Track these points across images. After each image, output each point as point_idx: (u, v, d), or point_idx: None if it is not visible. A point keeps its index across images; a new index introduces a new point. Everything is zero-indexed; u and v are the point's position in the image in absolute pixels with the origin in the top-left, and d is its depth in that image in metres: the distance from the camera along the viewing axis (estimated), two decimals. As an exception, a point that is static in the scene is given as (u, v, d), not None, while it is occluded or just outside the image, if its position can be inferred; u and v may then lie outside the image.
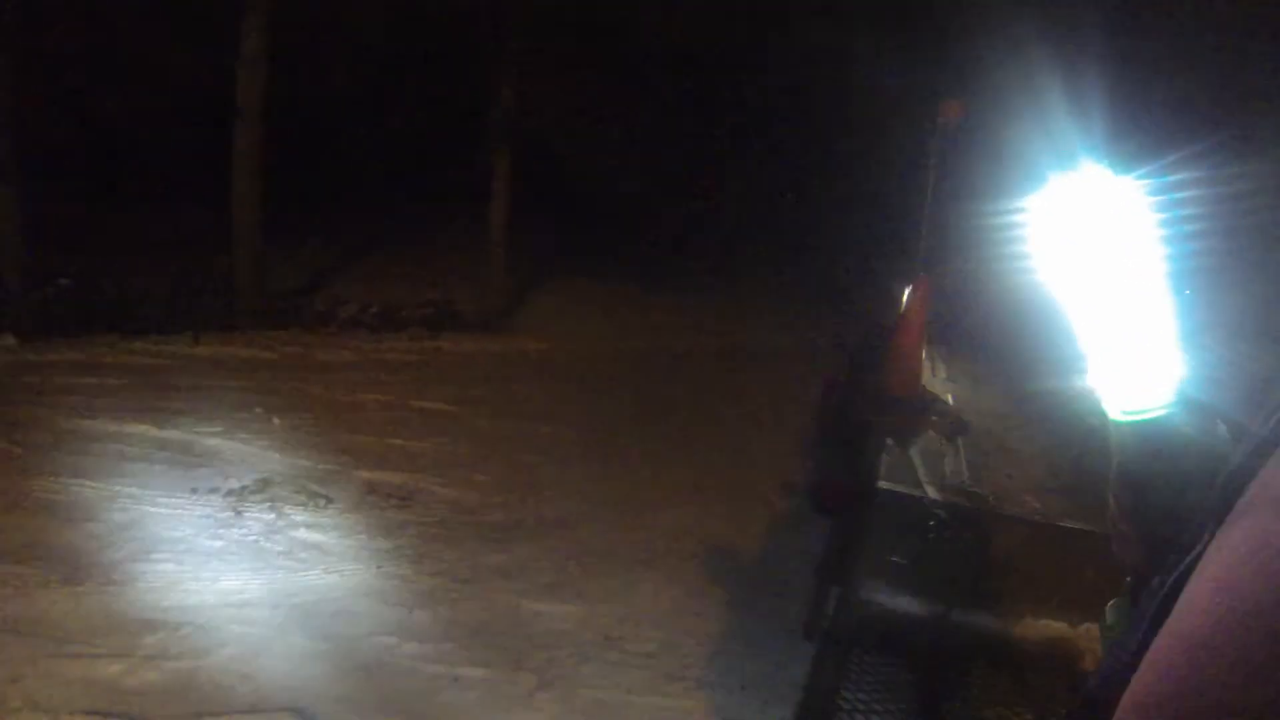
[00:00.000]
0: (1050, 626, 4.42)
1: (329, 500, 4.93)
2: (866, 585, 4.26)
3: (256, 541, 4.34)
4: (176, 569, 3.96)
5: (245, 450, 5.58)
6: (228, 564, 4.09)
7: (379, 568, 4.26)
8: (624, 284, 12.23)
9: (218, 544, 4.27)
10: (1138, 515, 1.54)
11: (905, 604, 4.27)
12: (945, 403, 5.88)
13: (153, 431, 5.77)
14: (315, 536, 4.44)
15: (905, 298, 5.29)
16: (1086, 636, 4.39)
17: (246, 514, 4.63)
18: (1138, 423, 1.55)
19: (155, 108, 11.67)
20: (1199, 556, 0.88)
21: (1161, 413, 1.52)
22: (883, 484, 5.40)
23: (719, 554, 5.03)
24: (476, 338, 9.61)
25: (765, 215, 13.03)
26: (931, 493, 5.60)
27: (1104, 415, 1.63)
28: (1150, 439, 1.53)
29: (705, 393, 8.53)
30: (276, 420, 6.22)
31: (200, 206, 10.03)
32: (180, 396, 6.61)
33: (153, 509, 4.58)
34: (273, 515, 4.61)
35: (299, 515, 4.66)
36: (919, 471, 5.78)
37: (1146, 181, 1.59)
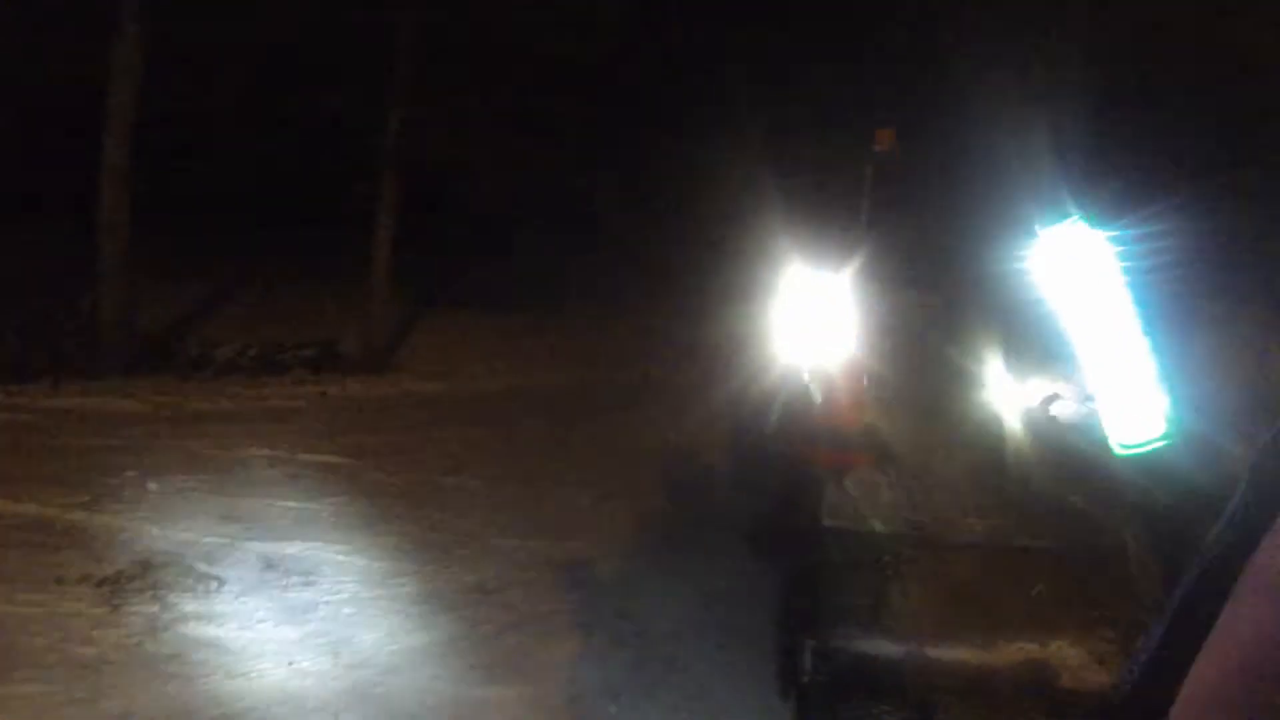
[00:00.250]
0: (1022, 649, 4.27)
1: (221, 582, 4.35)
2: (837, 632, 4.00)
3: (140, 644, 3.73)
4: (43, 690, 3.34)
5: (118, 525, 4.94)
6: (106, 678, 3.47)
7: (290, 664, 3.72)
8: (512, 314, 11.81)
9: (92, 651, 3.65)
10: (1151, 540, 2.03)
11: (878, 646, 4.03)
12: (877, 431, 5.69)
13: (6, 506, 5.06)
14: (210, 631, 3.86)
15: (843, 330, 5.09)
16: (1058, 655, 4.25)
17: (125, 608, 4.02)
18: (1136, 455, 1.70)
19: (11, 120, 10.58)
20: (1209, 575, 0.94)
21: (1158, 445, 1.65)
22: (828, 521, 5.17)
23: (662, 606, 4.68)
24: (363, 379, 9.02)
25: (660, 239, 12.76)
26: (877, 526, 5.41)
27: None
28: (1149, 470, 1.85)
29: (611, 431, 8.17)
30: (152, 485, 5.57)
31: (59, 235, 9.16)
32: (37, 459, 5.89)
33: (9, 608, 3.93)
34: (156, 607, 4.00)
35: (188, 605, 4.07)
36: (859, 505, 5.59)
37: (1122, 234, 1.77)
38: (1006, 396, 9.13)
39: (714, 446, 7.39)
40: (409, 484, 6.23)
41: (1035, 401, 9.47)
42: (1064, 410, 9.38)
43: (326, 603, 4.32)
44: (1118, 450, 1.81)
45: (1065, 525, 6.11)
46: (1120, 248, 1.80)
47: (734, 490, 6.20)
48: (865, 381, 4.96)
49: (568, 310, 12.29)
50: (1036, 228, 1.93)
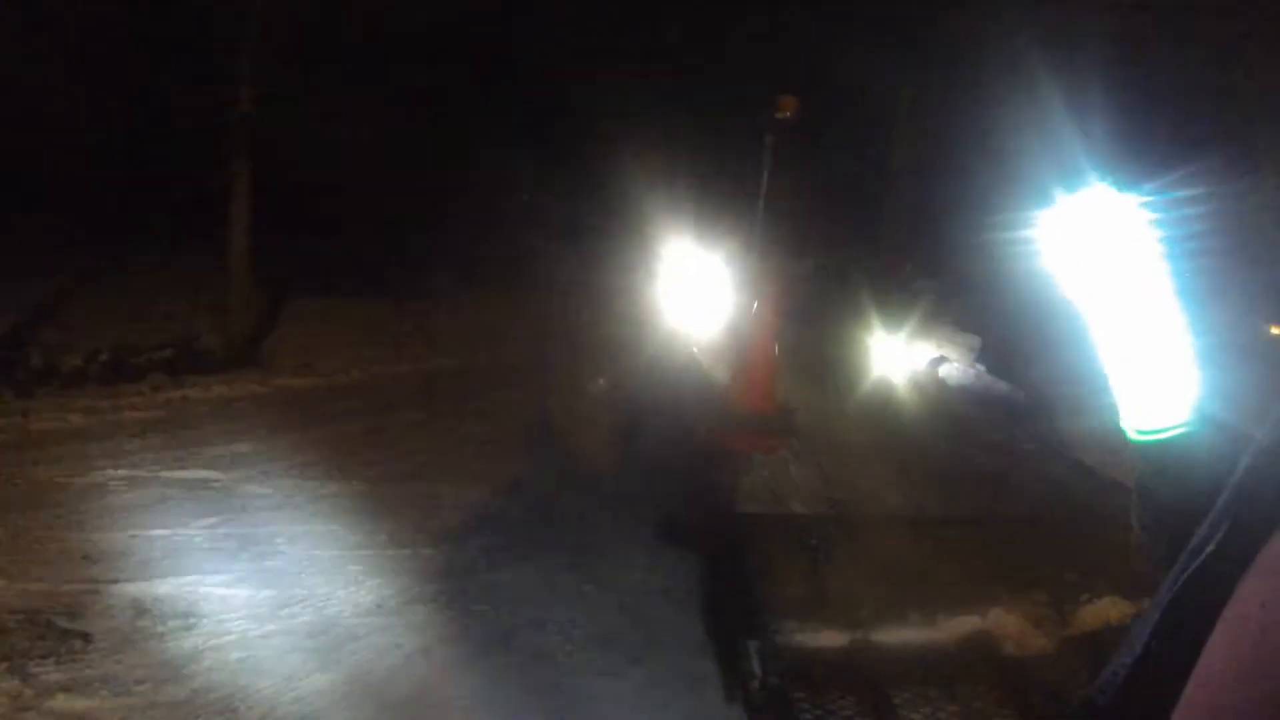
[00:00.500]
0: (964, 622, 4.24)
1: (87, 639, 3.90)
2: (779, 628, 3.86)
3: (0, 731, 3.31)
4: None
5: (-44, 582, 4.40)
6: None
7: (178, 730, 3.36)
8: (379, 297, 11.31)
9: (-57, 746, 3.22)
10: (1158, 531, 1.58)
11: (823, 638, 3.91)
12: (790, 410, 5.55)
13: None
14: (82, 704, 3.42)
15: (751, 307, 4.91)
16: (999, 624, 4.23)
17: (-23, 686, 3.56)
18: (1153, 442, 1.59)
19: None
20: (1207, 562, 0.93)
21: (1176, 432, 1.56)
22: (746, 507, 5.02)
23: (580, 611, 4.46)
24: (227, 378, 8.42)
25: (528, 217, 12.42)
26: (797, 508, 5.29)
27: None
28: (1165, 458, 1.56)
29: (496, 417, 7.86)
30: (-5, 527, 5.01)
31: None
32: None
33: None
34: (16, 681, 3.52)
35: (52, 673, 3.61)
36: (775, 487, 5.46)
37: (1150, 200, 1.64)
38: (894, 361, 9.19)
39: (607, 430, 7.19)
40: (288, 495, 5.81)
41: (922, 365, 9.58)
42: (951, 372, 9.51)
43: (212, 649, 3.93)
44: (1132, 436, 1.67)
45: (976, 491, 6.17)
46: (1154, 215, 1.67)
47: (638, 477, 6.00)
48: (776, 359, 4.81)
49: (436, 290, 11.83)
50: (1054, 194, 1.75)
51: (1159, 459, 1.57)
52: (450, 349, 10.35)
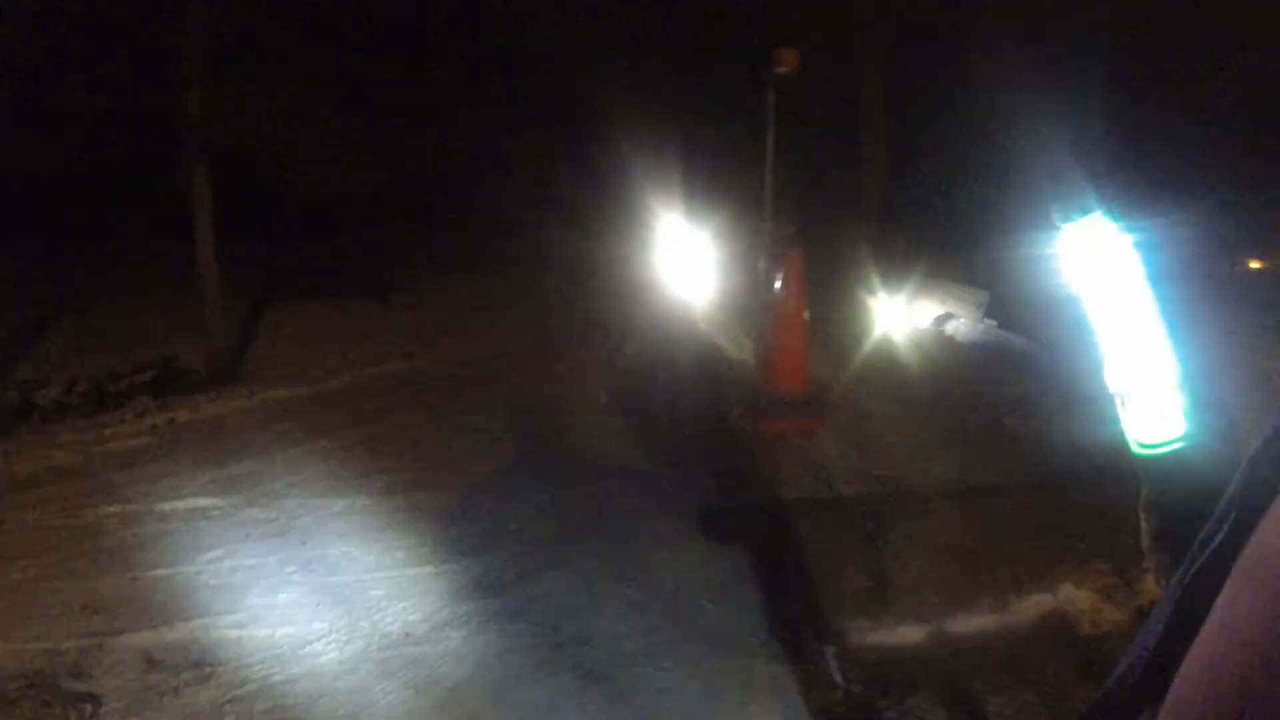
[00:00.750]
0: (1037, 602, 4.03)
1: (97, 701, 3.57)
2: (855, 627, 3.60)
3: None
4: None
5: (-51, 649, 4.05)
6: None
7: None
8: (364, 297, 10.94)
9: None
10: (1165, 539, 1.78)
11: (899, 634, 3.65)
12: (822, 389, 5.26)
13: None
14: (97, 780, 3.12)
15: (777, 278, 4.58)
16: (1070, 600, 4.00)
17: (-20, 769, 3.23)
18: (1155, 455, 1.69)
19: None
20: (1211, 560, 1.01)
21: (1177, 445, 1.66)
22: (790, 494, 4.73)
23: (622, 621, 4.15)
24: (214, 396, 8.03)
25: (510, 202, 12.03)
26: (843, 490, 5.01)
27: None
28: (1168, 470, 1.67)
29: (491, 411, 7.49)
30: (-17, 583, 4.66)
31: None
32: None
33: None
34: (23, 760, 3.22)
35: (62, 746, 3.31)
36: (819, 471, 5.18)
37: (1143, 231, 1.79)
38: (897, 322, 8.90)
39: (623, 417, 6.86)
40: (292, 518, 5.48)
41: (928, 323, 9.29)
42: (959, 328, 9.23)
43: (234, 701, 3.61)
44: (1136, 450, 1.80)
45: (1011, 454, 5.91)
46: (1143, 245, 1.79)
47: (665, 468, 5.68)
48: (808, 332, 4.50)
49: (421, 282, 11.48)
50: (1059, 221, 1.92)
51: (1162, 472, 1.69)
52: (441, 342, 9.99)
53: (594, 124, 10.71)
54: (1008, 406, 7.01)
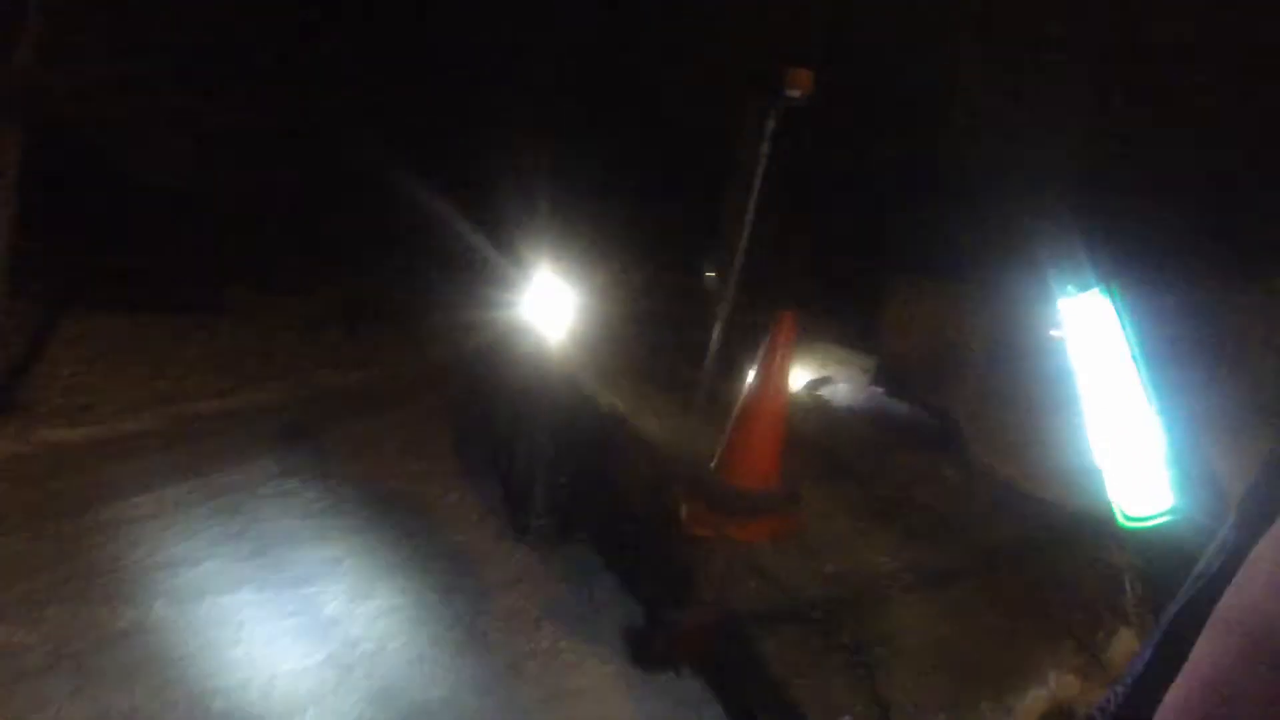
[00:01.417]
0: (1035, 698, 3.81)
1: None
2: None
3: None
4: None
5: None
6: None
7: None
8: (177, 312, 9.32)
9: None
10: (1152, 604, 2.26)
11: None
12: (793, 476, 4.56)
13: None
14: None
15: (762, 343, 3.85)
16: (1063, 688, 3.83)
17: None
18: (1142, 528, 1.82)
19: None
20: (1204, 584, 1.02)
21: (1163, 519, 1.77)
22: (743, 604, 4.12)
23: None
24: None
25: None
26: (811, 592, 4.46)
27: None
28: (1153, 543, 1.49)
29: (353, 481, 6.43)
30: None
31: None
32: None
33: None
34: None
35: None
36: (778, 574, 4.61)
37: (1134, 305, 1.90)
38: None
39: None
40: (61, 644, 4.02)
41: (801, 387, 8.94)
42: (836, 393, 8.94)
43: None
44: (1123, 522, 1.80)
45: (940, 534, 5.58)
46: (1131, 319, 1.82)
47: (585, 577, 4.79)
48: (788, 413, 3.80)
49: (239, 311, 9.95)
50: (1058, 298, 1.95)
51: (1147, 545, 1.88)
52: (263, 376, 8.57)
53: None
54: (911, 478, 6.72)
